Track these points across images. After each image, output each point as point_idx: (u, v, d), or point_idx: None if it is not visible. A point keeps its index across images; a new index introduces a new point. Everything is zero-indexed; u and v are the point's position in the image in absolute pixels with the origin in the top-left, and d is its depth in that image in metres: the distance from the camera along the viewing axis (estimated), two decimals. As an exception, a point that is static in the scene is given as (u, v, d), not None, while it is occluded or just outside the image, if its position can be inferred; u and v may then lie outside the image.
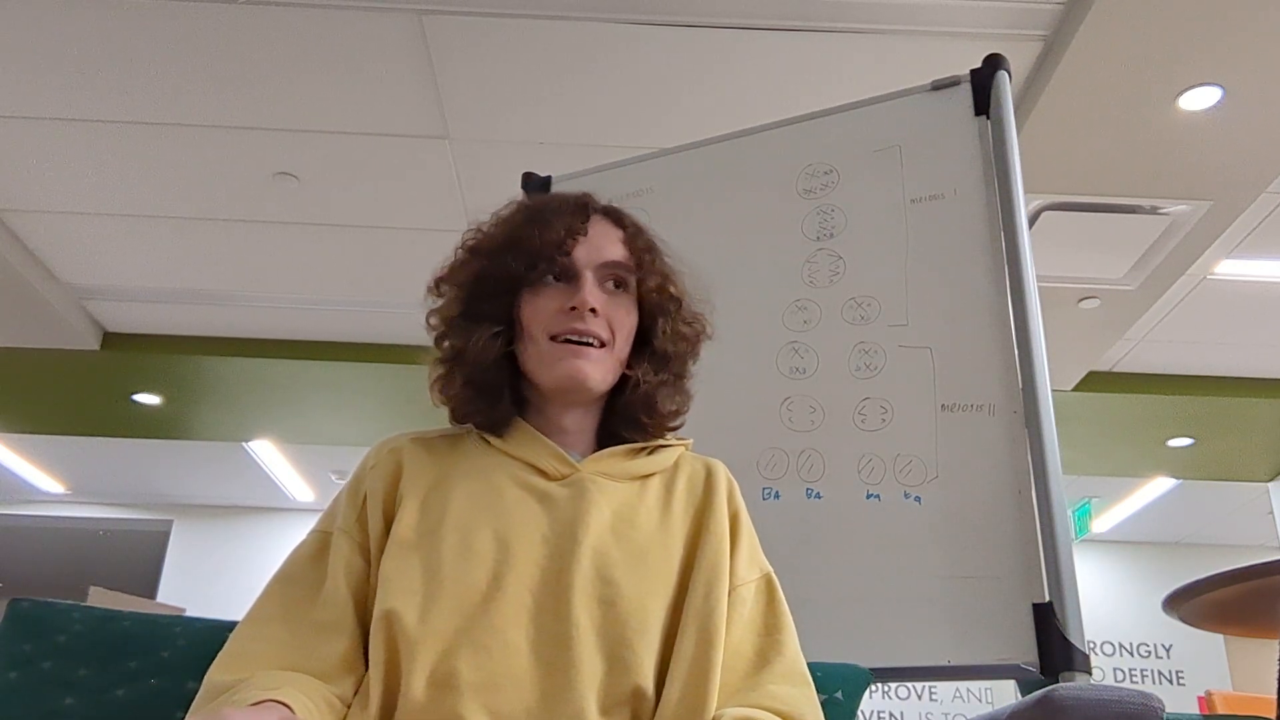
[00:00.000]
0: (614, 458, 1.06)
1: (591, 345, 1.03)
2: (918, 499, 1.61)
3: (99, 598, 4.03)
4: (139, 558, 7.61)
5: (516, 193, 2.22)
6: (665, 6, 2.71)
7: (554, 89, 2.99)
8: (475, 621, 0.90)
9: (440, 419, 1.14)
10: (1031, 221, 3.36)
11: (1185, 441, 5.07)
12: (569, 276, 1.05)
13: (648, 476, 1.06)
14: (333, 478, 6.53)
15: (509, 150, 3.25)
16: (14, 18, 2.76)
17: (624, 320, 1.07)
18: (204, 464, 6.30)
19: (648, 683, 0.91)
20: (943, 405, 1.65)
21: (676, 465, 1.09)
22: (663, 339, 1.09)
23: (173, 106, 3.10)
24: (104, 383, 4.77)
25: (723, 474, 1.10)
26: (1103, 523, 6.72)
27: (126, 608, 1.68)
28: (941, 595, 1.54)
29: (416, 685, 0.87)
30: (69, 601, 1.33)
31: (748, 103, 2.97)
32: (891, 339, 1.72)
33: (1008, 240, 1.68)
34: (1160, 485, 6.12)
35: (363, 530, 1.01)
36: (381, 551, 0.98)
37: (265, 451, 6.05)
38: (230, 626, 1.33)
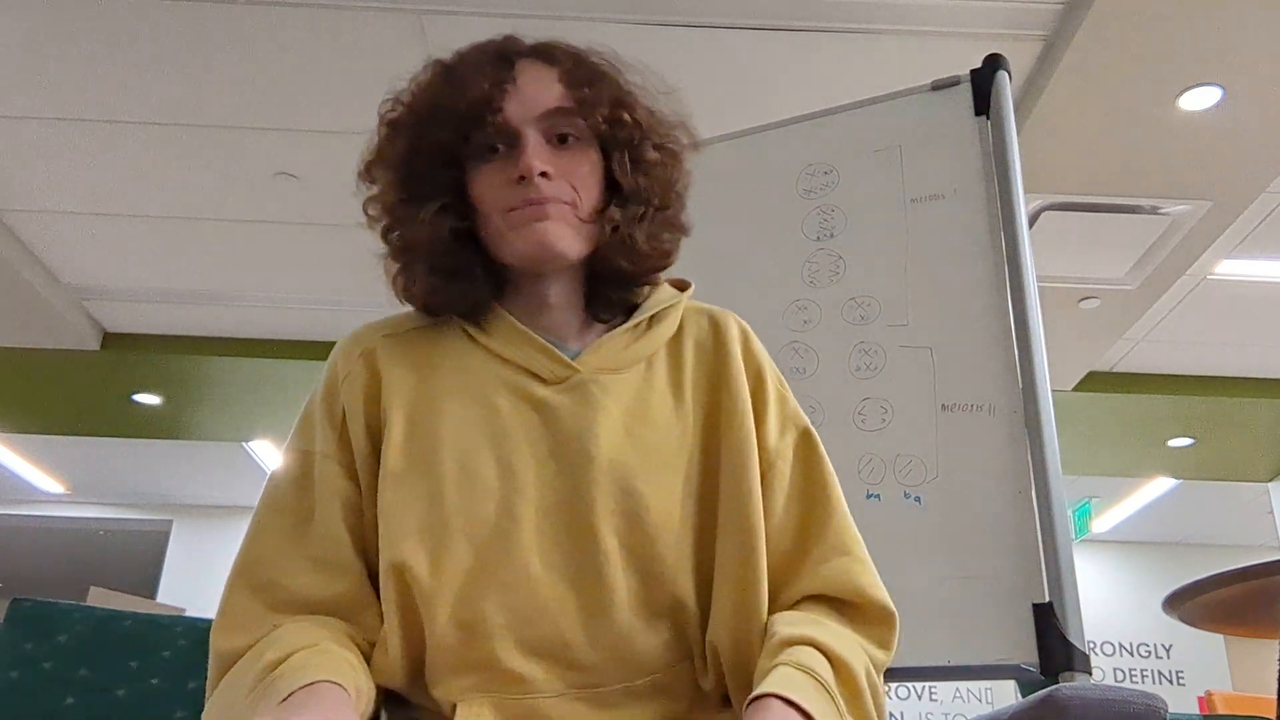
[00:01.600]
0: (612, 345, 0.94)
1: (552, 203, 0.90)
2: (918, 499, 1.61)
3: (99, 598, 4.03)
4: (139, 558, 7.61)
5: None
6: (666, 6, 2.71)
7: (554, 89, 2.99)
8: (492, 559, 0.84)
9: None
10: (1031, 221, 3.36)
11: (1185, 441, 5.07)
12: (509, 139, 0.91)
13: (653, 355, 0.95)
14: (333, 478, 6.53)
15: (509, 150, 3.25)
16: (14, 18, 2.76)
17: (584, 173, 0.93)
18: (204, 464, 6.30)
19: (686, 593, 0.87)
20: (943, 405, 1.65)
21: (681, 328, 0.98)
22: (626, 174, 0.94)
23: (173, 106, 3.10)
24: (104, 383, 4.77)
25: (734, 326, 0.98)
26: (1103, 523, 6.72)
27: (126, 608, 1.68)
28: (941, 595, 1.54)
29: (442, 633, 0.83)
30: (69, 601, 1.33)
31: (748, 103, 2.97)
32: (891, 339, 1.72)
33: (1008, 240, 1.68)
34: (1160, 485, 6.12)
35: (346, 450, 0.91)
36: (373, 474, 0.90)
37: (265, 451, 6.05)
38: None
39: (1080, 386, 4.55)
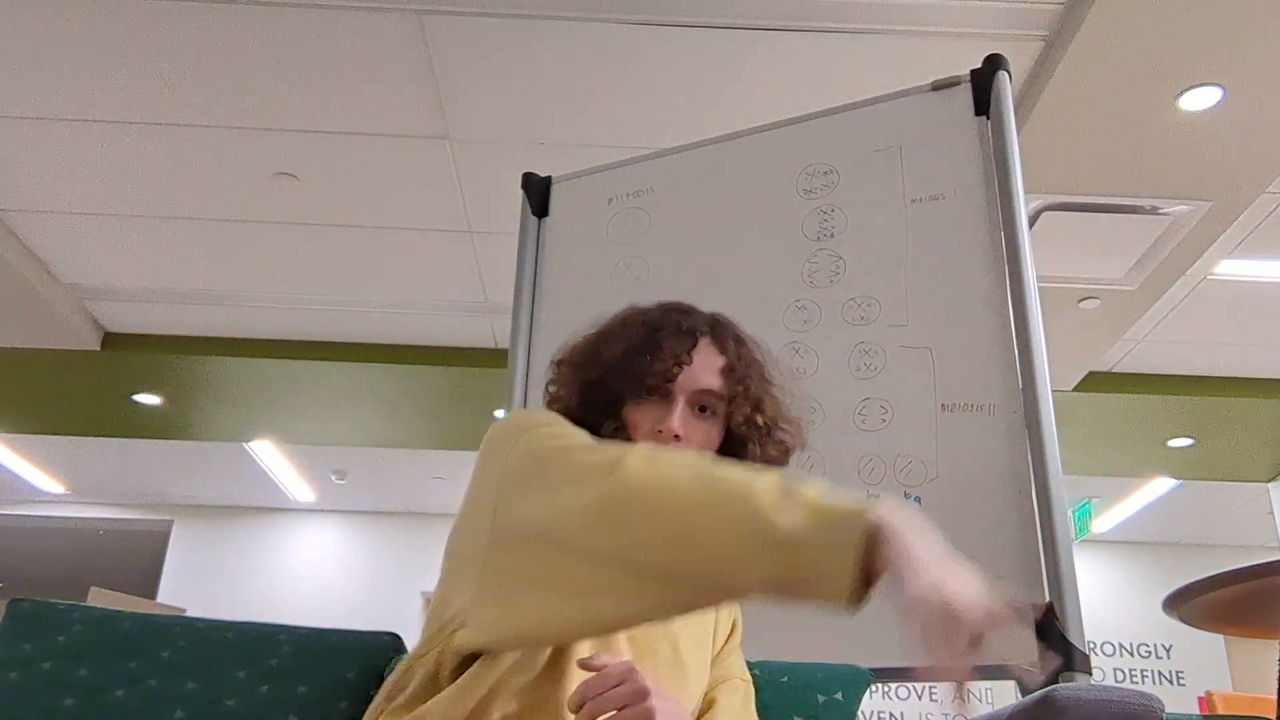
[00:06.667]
0: None
1: None
2: (918, 499, 1.61)
3: (99, 598, 4.03)
4: (139, 558, 7.61)
5: (517, 193, 2.22)
6: (666, 6, 2.71)
7: (554, 89, 2.99)
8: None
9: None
10: (1031, 221, 3.36)
11: (1185, 441, 5.06)
12: (665, 397, 1.17)
13: None
14: (333, 478, 6.53)
15: (509, 150, 3.25)
16: (14, 18, 2.76)
17: (706, 443, 1.18)
18: (204, 464, 6.30)
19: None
20: (943, 405, 1.65)
21: None
22: (750, 460, 1.19)
23: (173, 106, 3.10)
24: (104, 383, 4.77)
25: None
26: (1103, 523, 6.72)
27: (126, 608, 1.67)
28: (941, 595, 1.53)
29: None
30: (69, 601, 1.33)
31: (748, 103, 2.97)
32: (891, 339, 1.72)
33: (1008, 240, 1.68)
34: (1160, 485, 6.12)
35: None
36: None
37: (265, 451, 6.05)
38: (230, 626, 1.33)
39: (1080, 386, 4.54)
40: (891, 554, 0.74)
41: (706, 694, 1.15)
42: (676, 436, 1.14)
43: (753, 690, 1.21)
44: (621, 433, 1.17)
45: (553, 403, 1.22)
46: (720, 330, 1.23)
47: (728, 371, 1.19)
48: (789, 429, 1.23)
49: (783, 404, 1.23)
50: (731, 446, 1.20)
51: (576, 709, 0.89)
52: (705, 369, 1.18)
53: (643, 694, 0.89)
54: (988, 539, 1.54)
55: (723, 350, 1.20)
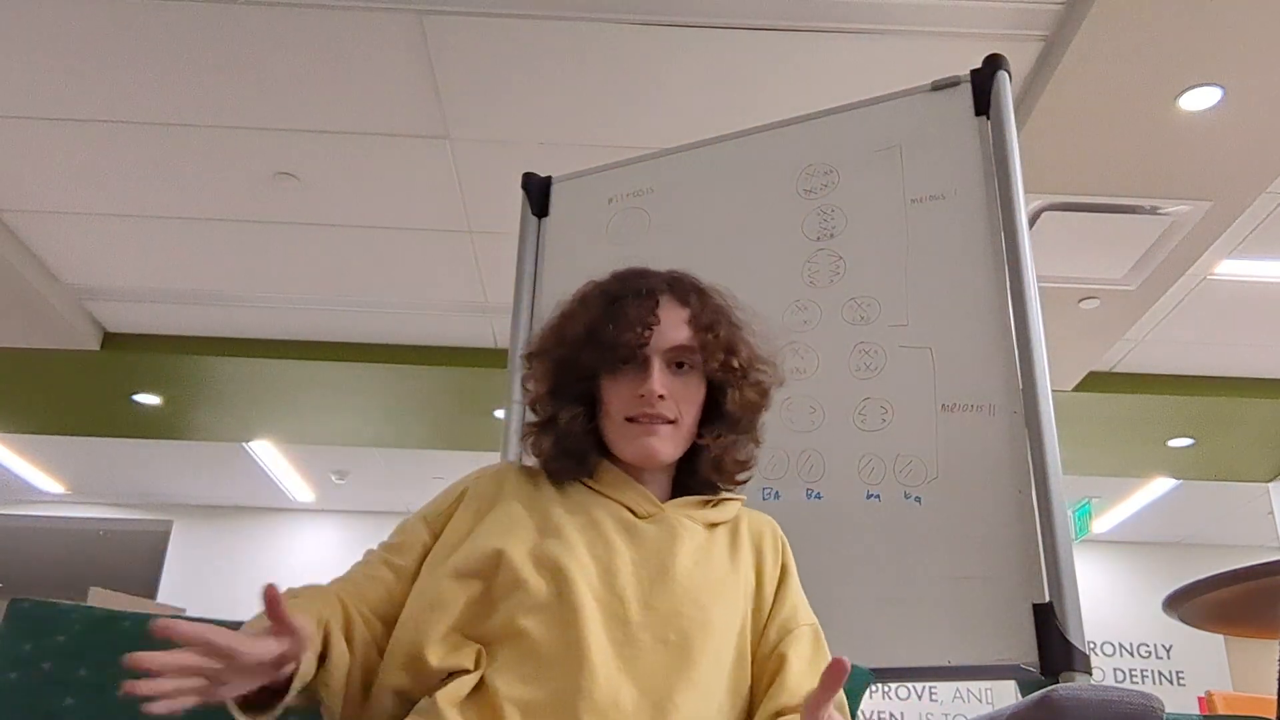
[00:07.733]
0: (688, 504, 1.18)
1: (662, 423, 1.15)
2: (918, 499, 1.61)
3: (99, 598, 4.03)
4: (139, 558, 7.61)
5: (517, 193, 2.21)
6: (665, 6, 2.71)
7: (554, 89, 2.99)
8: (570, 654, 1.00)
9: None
10: (1031, 221, 3.36)
11: (1185, 441, 5.07)
12: (640, 362, 1.16)
13: (715, 525, 1.18)
14: (333, 478, 6.53)
15: (509, 150, 3.25)
16: (13, 17, 2.76)
17: (690, 397, 1.18)
18: (204, 464, 6.30)
19: (722, 693, 1.04)
20: (943, 405, 1.65)
21: (737, 518, 1.21)
22: (730, 405, 1.19)
23: (173, 106, 3.10)
24: (104, 383, 4.77)
25: (778, 532, 1.23)
26: (1103, 523, 6.72)
27: (126, 608, 1.68)
28: (941, 595, 1.54)
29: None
30: (69, 601, 1.33)
31: (748, 103, 2.97)
32: (891, 339, 1.72)
33: (1008, 240, 1.68)
34: (1160, 485, 6.12)
35: (445, 520, 1.16)
36: (453, 543, 1.13)
37: (265, 451, 6.05)
38: (231, 626, 1.33)
39: (1080, 386, 4.54)
40: None
41: (775, 649, 1.11)
42: (661, 396, 1.14)
43: (820, 630, 1.16)
44: (581, 419, 1.17)
45: (527, 395, 1.22)
46: (679, 284, 1.23)
47: (693, 321, 1.19)
48: (765, 368, 1.23)
49: (755, 345, 1.23)
50: (712, 394, 1.20)
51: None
52: (672, 325, 1.18)
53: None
54: (988, 539, 1.54)
55: (684, 303, 1.21)
